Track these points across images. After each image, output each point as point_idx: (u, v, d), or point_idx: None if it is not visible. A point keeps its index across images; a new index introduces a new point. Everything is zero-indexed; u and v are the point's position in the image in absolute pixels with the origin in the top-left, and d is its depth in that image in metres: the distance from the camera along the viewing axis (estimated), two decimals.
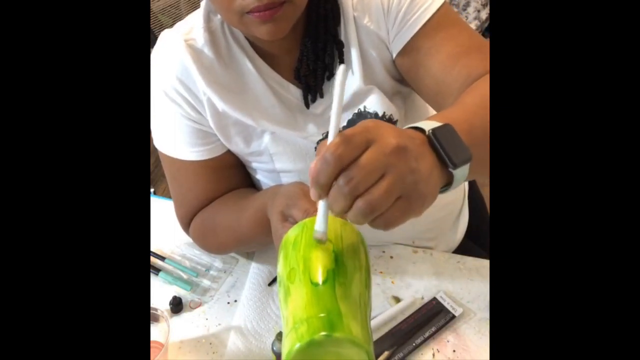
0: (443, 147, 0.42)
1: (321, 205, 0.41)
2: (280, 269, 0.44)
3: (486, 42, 0.66)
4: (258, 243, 0.81)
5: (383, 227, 0.39)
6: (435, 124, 0.43)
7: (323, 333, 0.37)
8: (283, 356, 0.38)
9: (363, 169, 0.37)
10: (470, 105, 0.52)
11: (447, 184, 0.44)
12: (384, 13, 0.68)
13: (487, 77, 0.58)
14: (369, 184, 0.37)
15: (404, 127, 0.45)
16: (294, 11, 0.61)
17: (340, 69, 0.40)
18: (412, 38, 0.67)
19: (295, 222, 0.52)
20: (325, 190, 0.39)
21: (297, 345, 0.37)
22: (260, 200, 0.66)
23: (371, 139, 0.38)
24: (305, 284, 0.40)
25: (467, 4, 2.54)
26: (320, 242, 0.41)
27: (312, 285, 0.40)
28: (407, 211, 0.39)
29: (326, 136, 0.73)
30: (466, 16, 2.53)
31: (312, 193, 0.40)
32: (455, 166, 0.42)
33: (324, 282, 0.40)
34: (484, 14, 2.52)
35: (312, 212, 0.51)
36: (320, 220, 0.41)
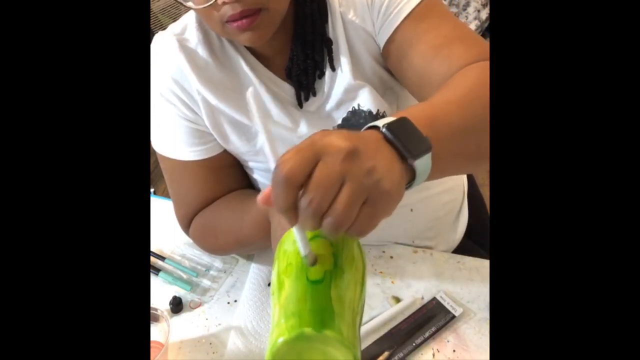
0: (399, 139, 0.40)
1: (294, 229, 0.39)
2: (277, 264, 0.43)
3: (470, 33, 0.65)
4: (258, 246, 0.81)
5: (357, 235, 0.38)
6: (390, 119, 0.42)
7: (313, 328, 0.36)
8: (269, 346, 0.38)
9: (320, 186, 0.36)
10: (437, 101, 0.50)
11: (413, 179, 0.42)
12: (368, 6, 0.68)
13: (465, 71, 0.57)
14: (331, 199, 0.36)
15: (361, 130, 0.43)
16: (271, 18, 0.61)
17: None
18: (395, 30, 0.66)
19: None
20: (292, 214, 0.37)
21: (285, 336, 0.37)
22: None
23: (319, 150, 0.37)
24: (301, 280, 0.40)
25: (467, 4, 2.54)
26: (313, 264, 0.40)
27: (308, 281, 0.39)
28: (375, 214, 0.38)
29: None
30: (466, 16, 2.53)
31: (282, 220, 0.39)
32: (415, 157, 0.40)
33: (321, 280, 0.39)
34: (484, 14, 2.52)
35: None
36: (300, 245, 0.40)
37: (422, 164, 0.42)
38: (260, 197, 0.39)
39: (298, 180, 0.36)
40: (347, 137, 0.38)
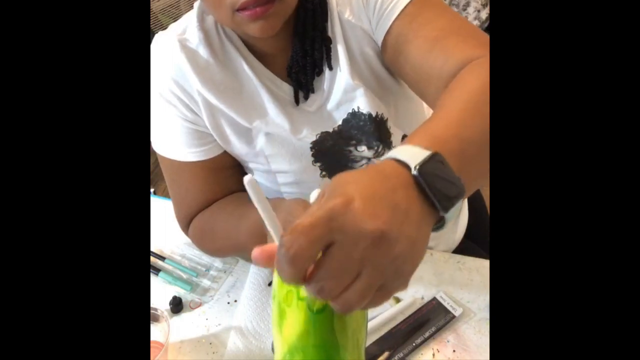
0: (433, 189, 0.36)
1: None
2: (276, 288, 0.43)
3: (467, 25, 0.64)
4: None
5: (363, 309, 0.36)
6: (421, 153, 0.37)
7: None
8: None
9: (334, 277, 0.32)
10: (456, 112, 0.45)
11: (437, 221, 0.38)
12: (363, 4, 0.68)
13: (470, 71, 0.54)
14: (343, 288, 0.33)
15: (384, 157, 0.39)
16: (284, 9, 0.61)
17: (246, 180, 0.35)
18: (391, 26, 0.66)
19: None
20: (299, 284, 0.33)
21: None
22: None
23: (337, 231, 0.32)
24: (302, 310, 0.39)
25: (467, 4, 2.54)
26: None
27: (309, 312, 0.38)
28: (388, 296, 0.35)
29: (319, 137, 0.73)
30: (466, 16, 2.53)
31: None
32: (447, 209, 0.36)
33: (322, 310, 0.38)
34: (484, 14, 2.52)
35: None
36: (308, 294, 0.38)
37: (453, 211, 0.37)
38: (257, 253, 0.35)
39: (307, 263, 0.32)
40: (373, 207, 0.33)
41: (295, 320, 0.39)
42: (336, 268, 0.32)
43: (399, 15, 0.65)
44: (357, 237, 0.32)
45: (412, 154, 0.37)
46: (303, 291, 0.39)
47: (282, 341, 0.39)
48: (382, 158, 0.39)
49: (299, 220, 0.32)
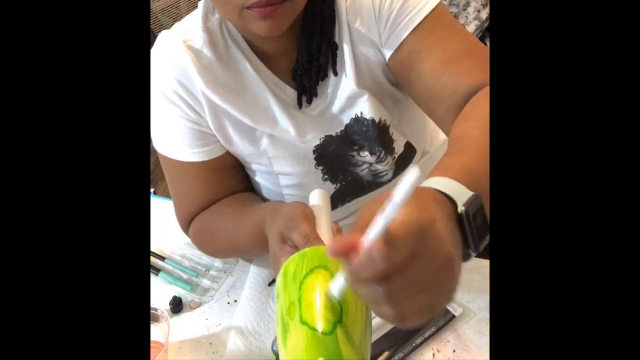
0: (472, 231, 0.39)
1: (343, 278, 0.37)
2: (280, 299, 0.43)
3: (478, 46, 0.65)
4: (255, 254, 0.81)
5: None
6: (464, 193, 0.39)
7: None
8: None
9: (409, 287, 0.33)
10: (485, 148, 0.47)
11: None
12: (375, 16, 0.68)
13: (482, 95, 0.56)
14: (409, 298, 0.34)
15: (422, 184, 0.40)
16: (293, 9, 0.61)
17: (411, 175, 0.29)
18: (403, 41, 0.67)
19: (294, 245, 0.52)
20: (373, 283, 0.33)
21: None
22: (259, 214, 0.65)
23: (424, 240, 0.33)
24: (305, 325, 0.39)
25: (467, 4, 2.54)
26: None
27: (314, 330, 0.39)
28: (433, 315, 0.36)
29: (323, 140, 0.73)
30: (466, 16, 2.53)
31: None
32: (477, 251, 0.39)
33: (331, 332, 0.38)
34: (484, 14, 2.52)
35: (312, 237, 0.50)
36: (336, 292, 0.38)
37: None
38: (337, 245, 0.33)
39: (392, 268, 0.32)
40: (449, 235, 0.35)
41: (299, 335, 0.39)
42: (412, 277, 0.33)
43: (412, 31, 0.66)
44: (436, 254, 0.33)
45: (456, 190, 0.40)
46: (305, 313, 0.39)
47: (286, 356, 0.39)
48: (422, 185, 0.41)
49: (394, 225, 0.31)
